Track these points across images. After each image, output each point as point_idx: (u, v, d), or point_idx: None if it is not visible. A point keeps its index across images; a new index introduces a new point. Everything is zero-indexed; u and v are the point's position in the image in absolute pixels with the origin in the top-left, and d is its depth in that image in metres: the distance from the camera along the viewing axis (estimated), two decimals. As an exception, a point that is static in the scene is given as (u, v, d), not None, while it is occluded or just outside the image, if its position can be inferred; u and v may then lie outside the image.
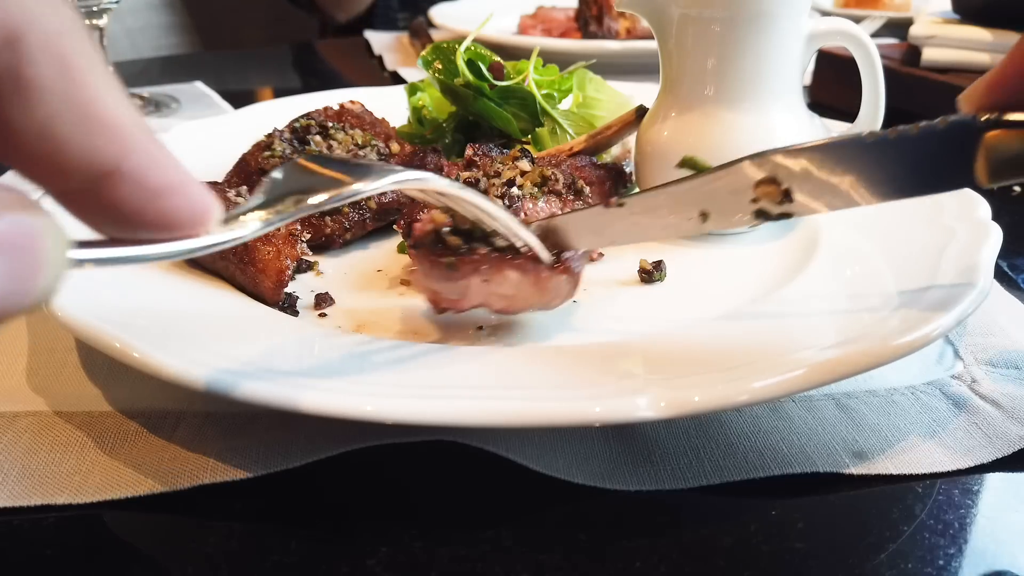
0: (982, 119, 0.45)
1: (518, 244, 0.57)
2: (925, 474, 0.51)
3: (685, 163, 0.70)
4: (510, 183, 0.72)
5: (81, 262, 0.32)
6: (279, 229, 0.67)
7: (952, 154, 0.46)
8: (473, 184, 0.72)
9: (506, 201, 0.71)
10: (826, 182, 0.50)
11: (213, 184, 0.73)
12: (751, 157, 0.51)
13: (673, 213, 0.55)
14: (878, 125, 0.78)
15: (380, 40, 1.82)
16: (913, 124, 0.46)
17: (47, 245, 0.28)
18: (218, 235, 0.37)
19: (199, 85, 1.43)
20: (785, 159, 0.50)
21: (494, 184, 0.72)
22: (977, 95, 0.48)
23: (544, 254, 0.58)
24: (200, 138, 0.94)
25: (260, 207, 0.41)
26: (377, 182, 0.45)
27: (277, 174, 0.43)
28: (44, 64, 0.29)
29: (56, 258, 0.29)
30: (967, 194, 0.73)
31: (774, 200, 0.51)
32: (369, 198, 0.78)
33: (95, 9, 1.20)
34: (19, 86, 0.29)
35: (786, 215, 0.52)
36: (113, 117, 0.31)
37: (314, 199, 0.42)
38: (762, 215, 0.52)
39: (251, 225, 0.39)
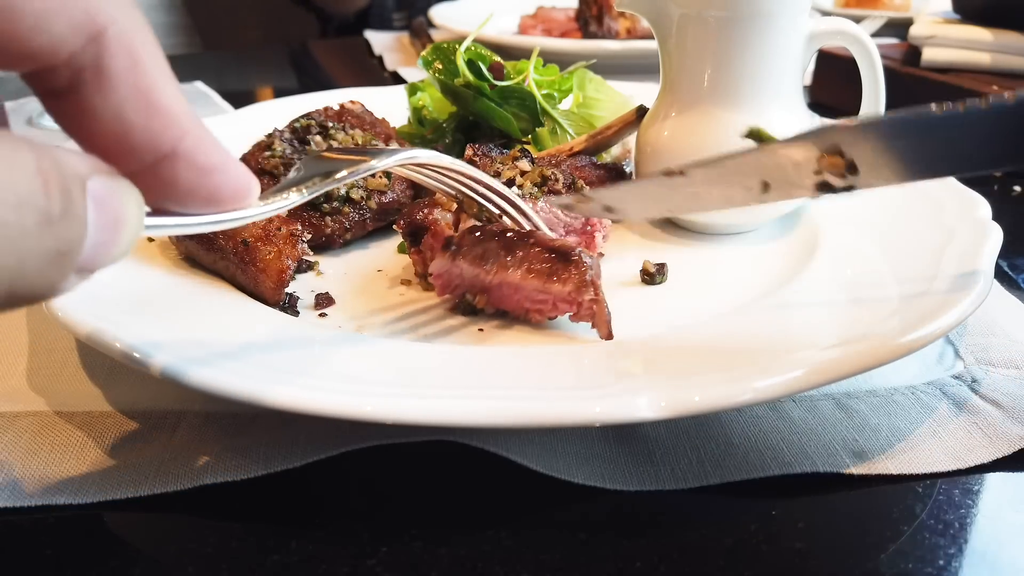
0: None
1: (527, 226, 0.64)
2: (925, 474, 0.51)
3: (751, 134, 0.70)
4: (510, 183, 0.72)
5: (152, 227, 0.37)
6: (280, 229, 0.67)
7: (1020, 129, 0.45)
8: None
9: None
10: (892, 156, 0.48)
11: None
12: (818, 129, 0.50)
13: (734, 183, 0.54)
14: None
15: (380, 40, 1.83)
16: (982, 98, 0.45)
17: (130, 206, 0.33)
18: (265, 205, 0.43)
19: (199, 85, 1.43)
20: (852, 131, 0.49)
21: (494, 184, 0.72)
22: None
23: (551, 235, 0.62)
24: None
25: (292, 184, 0.48)
26: (389, 159, 0.53)
27: (301, 162, 0.50)
28: (119, 56, 0.33)
29: (135, 219, 0.33)
30: (967, 194, 0.73)
31: (839, 172, 0.50)
32: (369, 198, 0.78)
33: (95, 9, 1.20)
34: (99, 75, 0.33)
35: (850, 188, 0.51)
36: (170, 105, 0.35)
37: (339, 174, 0.50)
38: (825, 187, 0.51)
39: (292, 196, 0.46)
